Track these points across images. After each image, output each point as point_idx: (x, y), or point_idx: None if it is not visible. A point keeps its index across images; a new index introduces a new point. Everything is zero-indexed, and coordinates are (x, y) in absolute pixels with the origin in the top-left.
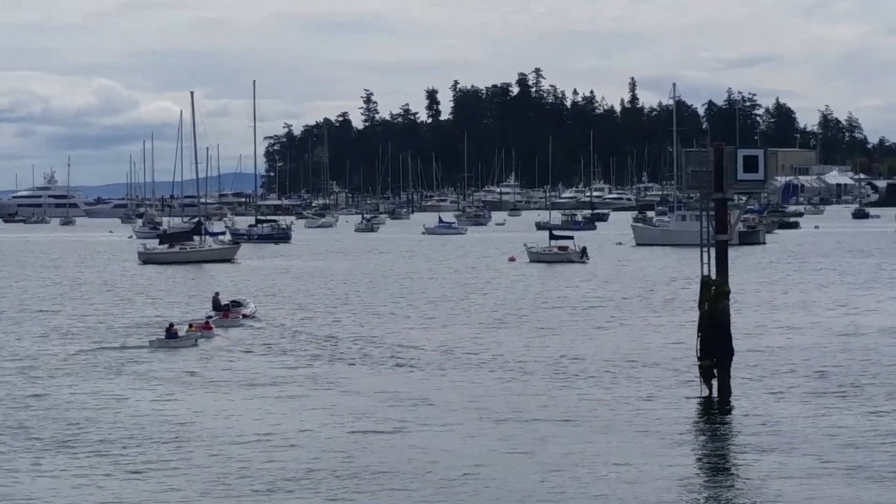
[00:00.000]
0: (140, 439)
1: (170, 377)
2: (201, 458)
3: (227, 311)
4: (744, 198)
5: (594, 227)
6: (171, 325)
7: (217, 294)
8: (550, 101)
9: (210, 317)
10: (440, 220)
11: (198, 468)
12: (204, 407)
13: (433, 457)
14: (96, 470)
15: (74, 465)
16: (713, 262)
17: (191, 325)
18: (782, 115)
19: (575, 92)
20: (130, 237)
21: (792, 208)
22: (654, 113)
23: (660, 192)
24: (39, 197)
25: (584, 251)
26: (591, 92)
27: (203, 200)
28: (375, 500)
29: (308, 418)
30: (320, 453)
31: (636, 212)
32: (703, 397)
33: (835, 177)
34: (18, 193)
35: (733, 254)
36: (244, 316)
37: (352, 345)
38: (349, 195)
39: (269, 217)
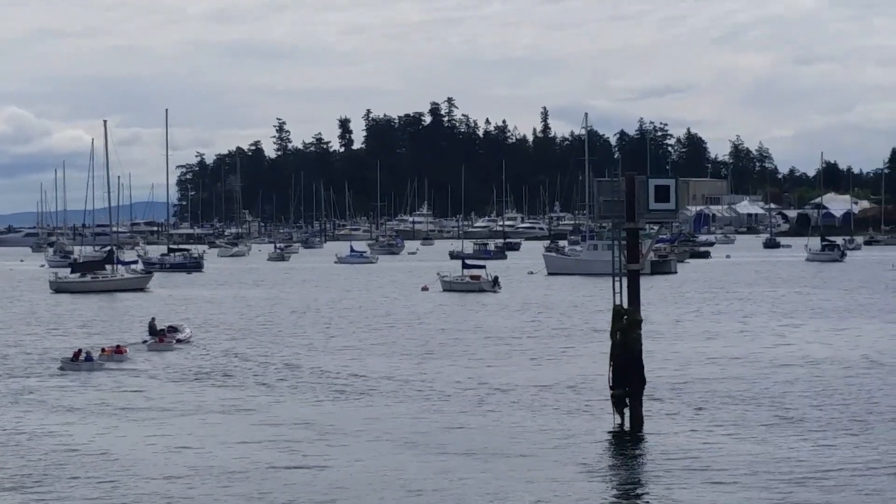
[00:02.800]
0: (53, 470)
1: (82, 405)
2: (110, 491)
3: (162, 336)
4: (655, 227)
5: (505, 257)
6: (80, 350)
7: (153, 319)
8: (463, 130)
9: (146, 341)
10: (352, 250)
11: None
12: (118, 436)
13: (339, 488)
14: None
15: None
16: (625, 291)
17: (103, 350)
18: (693, 144)
19: (487, 121)
20: (42, 265)
21: (703, 238)
22: (567, 142)
23: (572, 222)
24: None
25: (496, 280)
26: (504, 121)
27: (115, 229)
28: None
29: (219, 447)
30: (227, 483)
31: (548, 241)
32: (617, 426)
33: (746, 206)
34: None
35: (645, 283)
36: (178, 341)
37: (275, 372)
38: (262, 224)
39: (181, 246)
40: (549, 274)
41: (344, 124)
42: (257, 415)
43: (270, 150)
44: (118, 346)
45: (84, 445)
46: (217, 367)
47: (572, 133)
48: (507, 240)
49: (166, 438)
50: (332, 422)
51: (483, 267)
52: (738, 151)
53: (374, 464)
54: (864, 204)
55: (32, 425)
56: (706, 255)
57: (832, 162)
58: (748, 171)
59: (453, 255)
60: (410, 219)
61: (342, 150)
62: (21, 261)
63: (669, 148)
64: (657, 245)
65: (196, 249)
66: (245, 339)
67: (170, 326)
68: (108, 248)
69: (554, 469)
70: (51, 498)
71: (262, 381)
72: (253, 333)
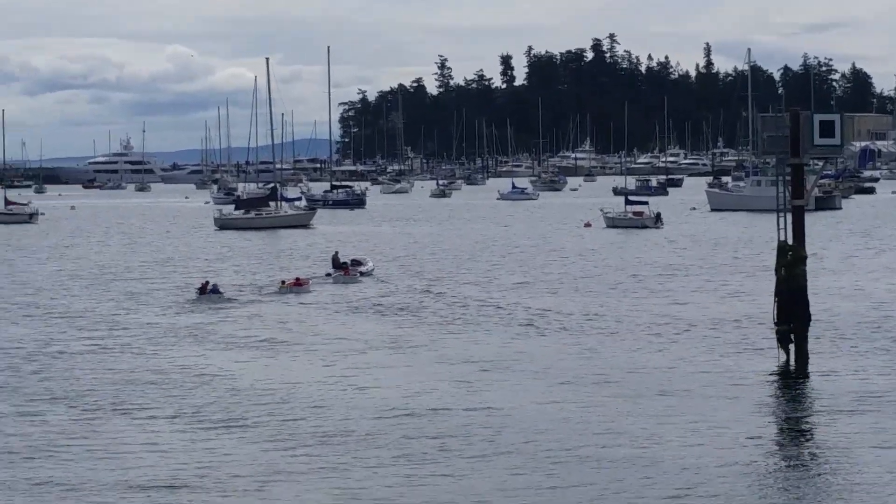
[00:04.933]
0: (243, 403)
1: (247, 340)
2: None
3: (346, 269)
4: (820, 163)
5: (666, 193)
6: (206, 282)
7: (336, 252)
8: (625, 66)
9: (329, 274)
10: (513, 186)
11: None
12: (315, 370)
13: (525, 427)
14: (200, 435)
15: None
16: (790, 227)
17: (283, 283)
18: (858, 79)
19: (650, 57)
20: (207, 202)
21: (868, 173)
22: (730, 78)
23: (735, 158)
24: (116, 163)
25: (658, 216)
26: (666, 57)
27: (278, 166)
28: (457, 469)
29: (395, 383)
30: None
31: (711, 177)
32: (782, 363)
33: None
34: (95, 160)
35: (809, 219)
36: (362, 273)
37: (452, 306)
38: (424, 161)
39: (344, 183)
40: (712, 210)
41: (506, 61)
42: (429, 351)
43: (432, 87)
44: (297, 279)
45: (261, 382)
46: (396, 301)
47: (735, 69)
48: (670, 176)
49: (333, 375)
50: (503, 358)
51: (646, 203)
52: None
53: (540, 401)
54: None
55: (205, 361)
56: (871, 190)
57: None
58: None
59: (617, 192)
60: (573, 155)
61: (504, 86)
62: (186, 198)
63: (834, 83)
64: (821, 181)
65: (359, 186)
66: (418, 274)
67: (353, 259)
68: (272, 184)
69: (718, 406)
70: (263, 437)
71: (439, 316)
72: (424, 268)
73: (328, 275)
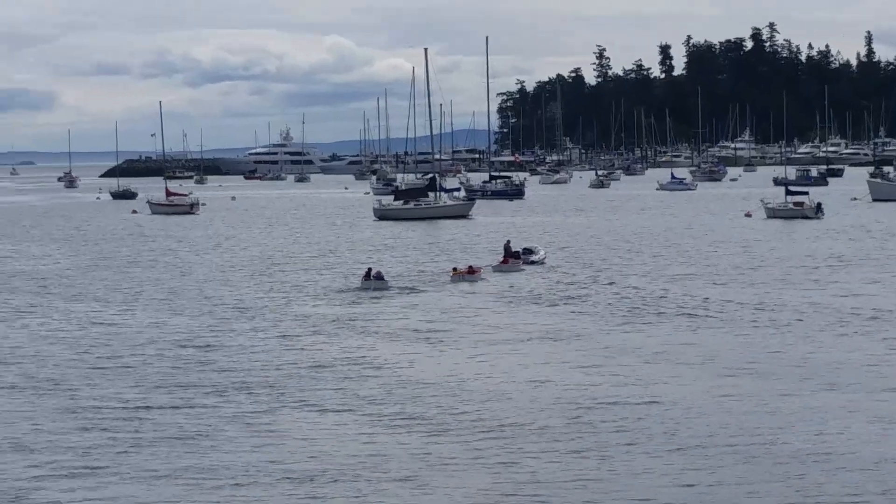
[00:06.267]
0: (407, 395)
1: (429, 329)
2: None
3: (514, 257)
4: None
5: (826, 183)
6: (370, 269)
7: (508, 241)
8: (785, 55)
9: (495, 265)
10: (672, 176)
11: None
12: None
13: (698, 420)
14: (369, 428)
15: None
16: None
17: (454, 270)
18: None
19: (809, 46)
20: (366, 193)
21: None
22: (891, 67)
23: None
24: (276, 154)
25: (818, 207)
26: (826, 46)
27: (437, 157)
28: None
29: (557, 374)
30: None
31: (873, 167)
32: None
33: None
34: (255, 150)
35: None
36: (533, 262)
37: (618, 297)
38: (582, 151)
39: (502, 173)
40: (874, 200)
41: (664, 50)
42: (598, 342)
43: (591, 78)
44: (470, 267)
45: (427, 373)
46: (564, 290)
47: None
48: (830, 166)
49: (501, 366)
50: (671, 350)
51: (806, 193)
52: None
53: (711, 393)
54: None
55: (371, 352)
56: None
57: None
58: None
59: (777, 182)
60: (732, 145)
61: (662, 76)
62: (345, 188)
63: None
64: None
65: (517, 177)
66: (585, 264)
67: (525, 248)
68: (431, 175)
69: (882, 400)
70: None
71: (607, 307)
72: (589, 258)
73: (494, 266)
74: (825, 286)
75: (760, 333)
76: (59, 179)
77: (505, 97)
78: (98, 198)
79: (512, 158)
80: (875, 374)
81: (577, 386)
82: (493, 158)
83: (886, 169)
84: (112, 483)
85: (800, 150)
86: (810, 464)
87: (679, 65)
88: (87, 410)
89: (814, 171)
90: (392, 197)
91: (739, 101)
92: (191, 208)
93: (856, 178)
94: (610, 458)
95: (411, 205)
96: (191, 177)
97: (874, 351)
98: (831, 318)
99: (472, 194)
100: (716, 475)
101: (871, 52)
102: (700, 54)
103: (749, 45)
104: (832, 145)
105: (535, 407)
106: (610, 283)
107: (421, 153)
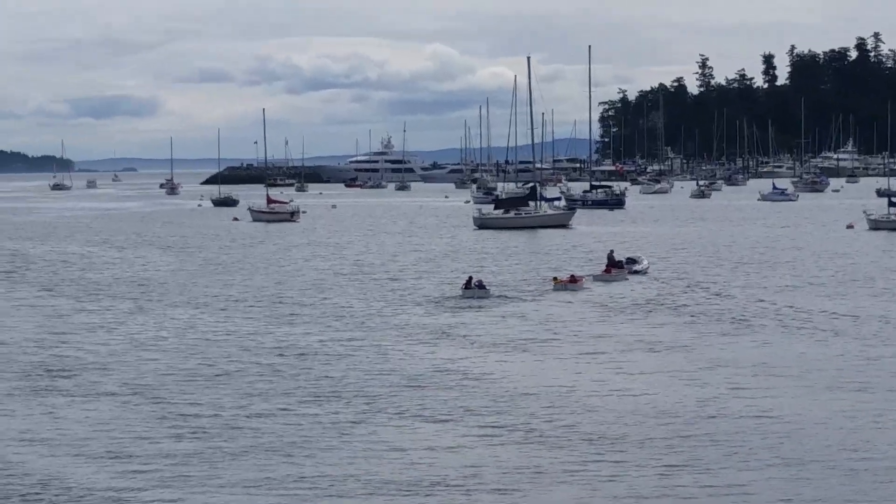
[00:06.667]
0: (505, 405)
1: (522, 337)
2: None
3: (614, 267)
4: None
5: None
6: (471, 277)
7: (612, 251)
8: (890, 65)
9: (599, 274)
10: (774, 187)
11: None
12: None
13: (802, 435)
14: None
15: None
16: None
17: (556, 279)
18: None
19: None
20: (467, 202)
21: None
22: None
23: None
24: (377, 162)
25: None
26: None
27: (538, 166)
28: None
29: (651, 384)
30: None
31: None
32: None
33: None
34: (356, 158)
35: None
36: (635, 272)
37: (721, 308)
38: (684, 161)
39: (603, 183)
40: None
41: (767, 60)
42: (699, 354)
43: (693, 87)
44: (572, 276)
45: (525, 383)
46: (666, 301)
47: None
48: None
49: (600, 377)
50: (772, 362)
51: None
52: None
53: (813, 405)
54: None
55: (470, 362)
56: None
57: None
58: None
59: (880, 193)
60: (835, 156)
61: (765, 86)
62: (446, 197)
63: None
64: None
65: (618, 186)
66: (686, 275)
67: (629, 258)
68: (532, 184)
69: None
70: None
71: (708, 318)
72: (691, 269)
73: (603, 272)
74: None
75: (863, 346)
76: (161, 186)
77: (606, 106)
78: (199, 205)
79: (613, 168)
80: None
81: (677, 398)
82: (594, 168)
83: None
84: (207, 491)
85: None
86: None
87: (782, 74)
88: (183, 418)
89: None
90: (492, 206)
91: (843, 111)
92: (291, 216)
93: None
94: (709, 471)
95: (511, 213)
96: (292, 184)
97: None
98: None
99: (573, 204)
100: (818, 490)
101: None
102: (804, 64)
103: (853, 54)
104: None
105: (634, 419)
106: (713, 295)
107: (522, 162)
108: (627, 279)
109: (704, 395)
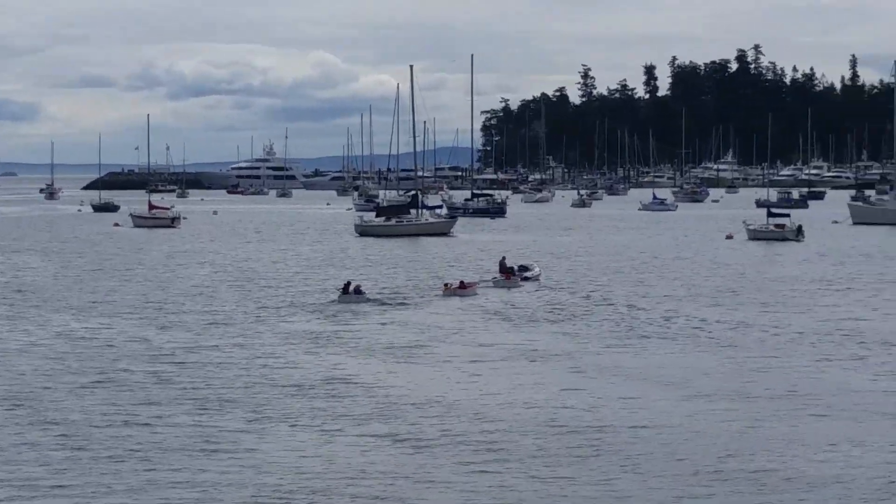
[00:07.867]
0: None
1: (402, 343)
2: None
3: (508, 273)
4: None
5: (807, 206)
6: (349, 282)
7: (503, 258)
8: (769, 77)
9: (496, 278)
10: (654, 197)
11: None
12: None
13: (686, 443)
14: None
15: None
16: None
17: (446, 286)
18: None
19: (794, 69)
20: (348, 209)
21: None
22: (875, 91)
23: (879, 171)
24: (258, 168)
25: (799, 229)
26: (811, 69)
27: (420, 174)
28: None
29: (534, 394)
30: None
31: (854, 190)
32: None
33: None
34: (238, 165)
35: None
36: (527, 279)
37: (608, 317)
38: (565, 170)
39: (484, 191)
40: (855, 223)
41: (649, 71)
42: (588, 363)
43: (575, 97)
44: (462, 282)
45: (408, 390)
46: (555, 309)
47: (881, 81)
48: (812, 189)
49: (481, 383)
50: (659, 372)
51: (788, 216)
52: None
53: (696, 415)
54: None
55: (349, 368)
56: None
57: None
58: None
59: (759, 204)
60: (715, 166)
61: (647, 96)
62: (327, 204)
63: None
64: None
65: (500, 195)
66: (574, 282)
67: (521, 265)
68: (413, 192)
69: (868, 424)
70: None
71: (598, 328)
72: (578, 277)
73: (494, 279)
74: (808, 309)
75: (745, 356)
76: (41, 191)
77: (489, 115)
78: (79, 210)
79: (495, 176)
80: (864, 399)
81: (561, 406)
82: (475, 176)
83: (868, 192)
84: (62, 497)
85: (782, 173)
86: (793, 490)
87: (664, 85)
88: (60, 425)
89: (795, 194)
90: (374, 213)
91: (723, 123)
92: (172, 222)
93: (837, 202)
94: (592, 480)
95: (393, 221)
96: (173, 190)
97: (862, 375)
98: (816, 339)
99: (454, 212)
100: (697, 501)
101: (855, 75)
102: (685, 75)
103: (734, 66)
104: (815, 168)
105: (519, 428)
106: (599, 303)
107: (404, 170)
108: (521, 286)
109: (589, 403)
